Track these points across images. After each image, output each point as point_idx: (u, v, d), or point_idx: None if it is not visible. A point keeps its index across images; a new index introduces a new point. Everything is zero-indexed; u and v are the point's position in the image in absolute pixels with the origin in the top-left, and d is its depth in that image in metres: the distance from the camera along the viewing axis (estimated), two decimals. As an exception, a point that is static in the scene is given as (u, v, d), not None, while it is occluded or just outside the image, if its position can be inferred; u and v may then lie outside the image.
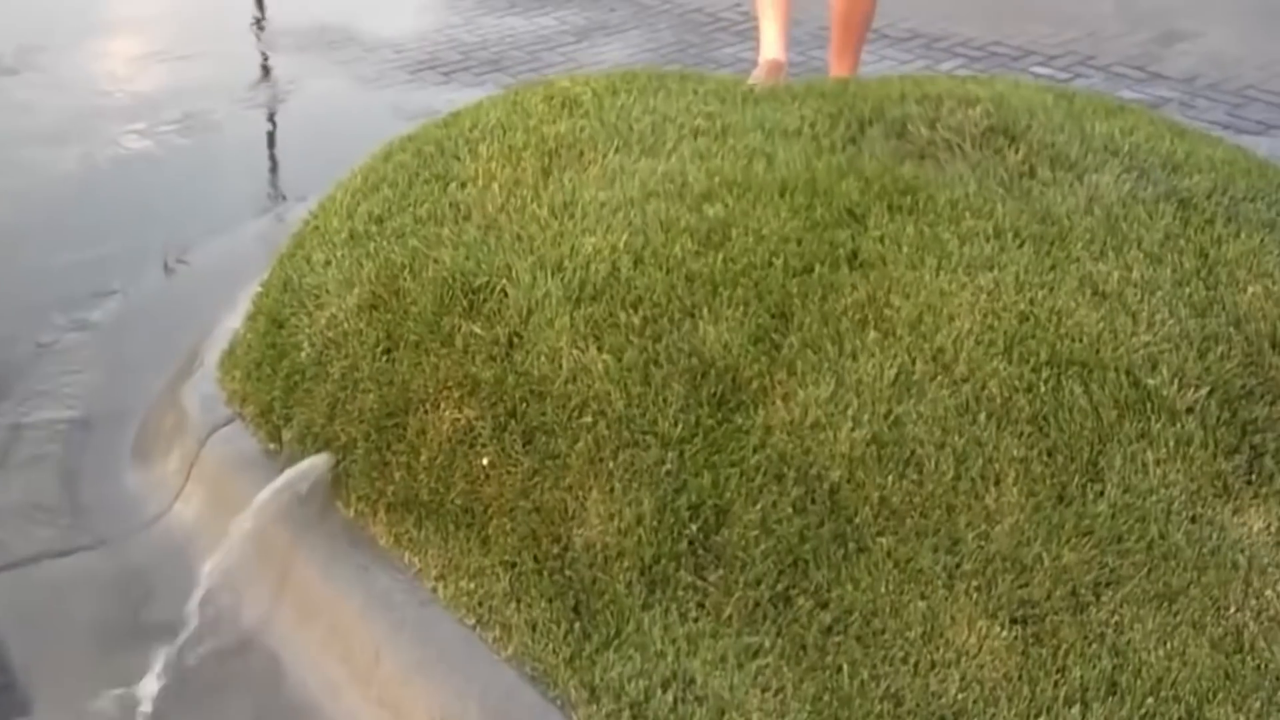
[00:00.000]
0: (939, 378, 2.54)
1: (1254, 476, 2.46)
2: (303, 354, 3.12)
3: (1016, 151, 3.15)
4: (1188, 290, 2.74)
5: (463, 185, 3.30)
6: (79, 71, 6.95)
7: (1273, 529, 2.39)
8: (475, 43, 7.17)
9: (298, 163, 5.81)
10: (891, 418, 2.49)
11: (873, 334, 2.62)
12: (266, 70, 7.06)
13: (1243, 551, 2.34)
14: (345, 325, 3.06)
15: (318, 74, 6.78)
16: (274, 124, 6.29)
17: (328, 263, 3.26)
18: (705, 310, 2.71)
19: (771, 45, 4.14)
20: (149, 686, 2.80)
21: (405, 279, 3.04)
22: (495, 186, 3.24)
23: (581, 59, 6.79)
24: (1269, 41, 6.62)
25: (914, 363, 2.56)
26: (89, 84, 6.71)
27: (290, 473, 2.94)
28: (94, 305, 4.40)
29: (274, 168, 5.85)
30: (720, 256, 2.81)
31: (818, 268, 2.76)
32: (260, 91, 6.65)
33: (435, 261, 3.02)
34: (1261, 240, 2.91)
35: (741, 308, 2.70)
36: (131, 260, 4.67)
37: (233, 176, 5.53)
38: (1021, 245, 2.80)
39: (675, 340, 2.68)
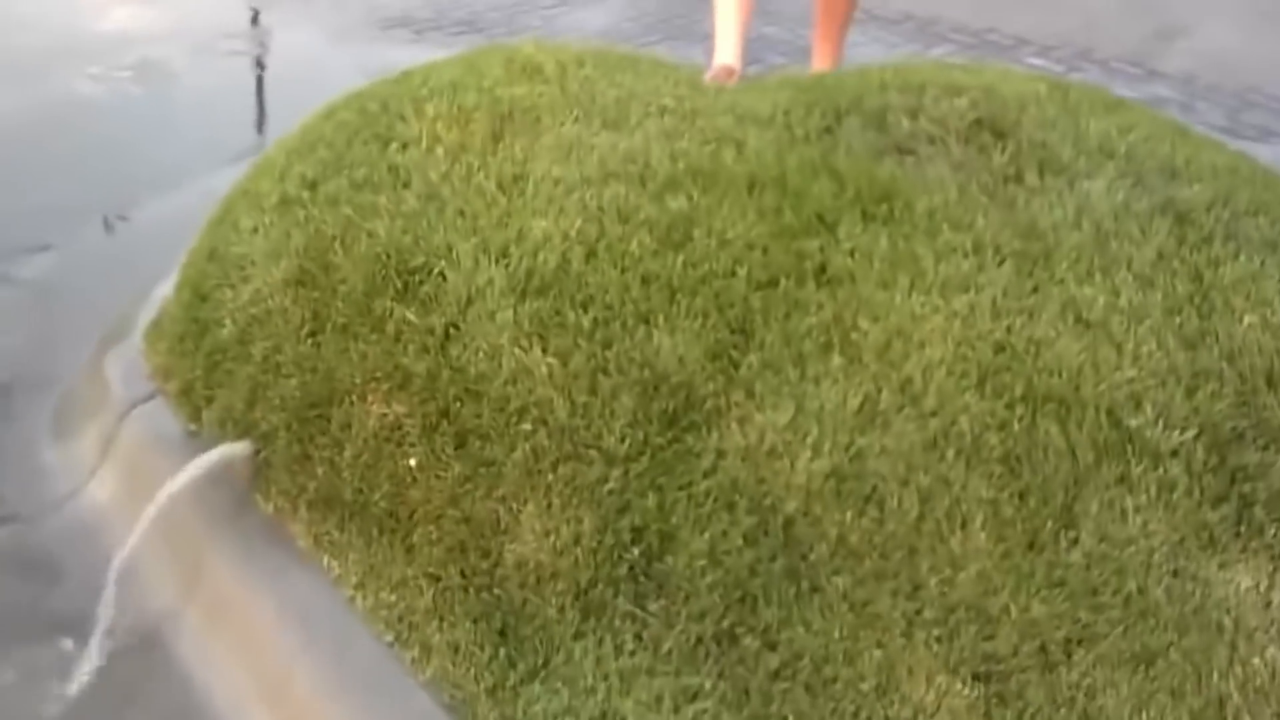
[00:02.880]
0: (906, 409, 2.35)
1: (1242, 528, 2.26)
2: (225, 331, 2.91)
3: (1003, 151, 2.95)
4: (1178, 319, 2.54)
5: (404, 147, 3.07)
6: (36, 10, 6.72)
7: (1262, 587, 2.20)
8: (450, 1, 6.96)
9: (255, 118, 5.62)
10: (853, 450, 2.30)
11: (837, 359, 2.43)
12: (233, 19, 6.81)
13: (1228, 612, 2.16)
14: (270, 302, 2.85)
15: (285, 25, 6.60)
16: (234, 76, 6.08)
17: (255, 230, 3.05)
18: (661, 318, 2.52)
19: (727, 51, 3.95)
20: (51, 686, 2.63)
21: (335, 253, 2.83)
22: (440, 150, 3.02)
23: (560, 24, 6.59)
24: (1271, 41, 6.45)
25: (880, 392, 2.37)
26: (45, 23, 6.49)
27: (204, 460, 2.75)
28: (24, 261, 4.19)
29: (229, 122, 5.61)
30: (680, 259, 2.60)
31: (783, 281, 2.56)
32: (223, 41, 6.42)
33: (369, 235, 2.81)
34: (1262, 263, 2.70)
35: (700, 319, 2.51)
36: (69, 214, 4.45)
37: (185, 129, 5.31)
38: (1002, 263, 2.60)
39: (627, 348, 2.48)
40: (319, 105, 3.58)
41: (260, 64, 6.20)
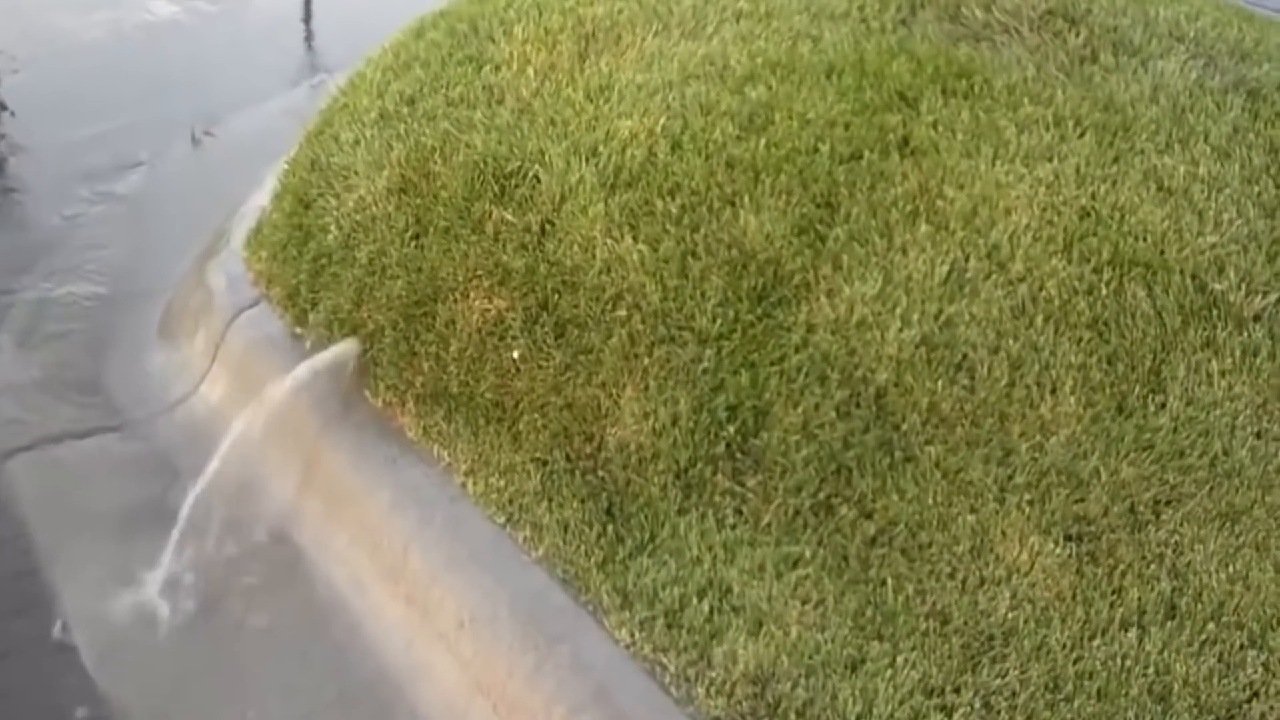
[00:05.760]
0: (994, 276, 2.41)
1: (1324, 389, 2.33)
2: (330, 236, 3.01)
3: (1077, 35, 2.99)
4: (1257, 188, 2.60)
5: (497, 68, 3.16)
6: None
7: (1342, 445, 2.27)
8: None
9: (330, 34, 5.64)
10: (942, 318, 2.37)
11: (924, 227, 2.49)
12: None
13: (1310, 470, 2.23)
14: (374, 208, 2.95)
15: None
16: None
17: (357, 143, 3.14)
18: (746, 198, 2.59)
19: None
20: (170, 578, 2.75)
21: (436, 162, 2.92)
22: (530, 70, 3.11)
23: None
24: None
25: (967, 259, 2.44)
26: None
27: (317, 358, 2.86)
28: (119, 177, 4.28)
29: (306, 38, 5.67)
30: (762, 141, 2.67)
31: (866, 154, 2.63)
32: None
33: (467, 145, 2.90)
34: (1335, 134, 2.74)
35: (785, 196, 2.57)
36: (158, 131, 4.53)
37: (263, 47, 5.37)
38: (1083, 135, 2.65)
39: (714, 230, 2.56)
40: (397, 20, 3.65)
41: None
